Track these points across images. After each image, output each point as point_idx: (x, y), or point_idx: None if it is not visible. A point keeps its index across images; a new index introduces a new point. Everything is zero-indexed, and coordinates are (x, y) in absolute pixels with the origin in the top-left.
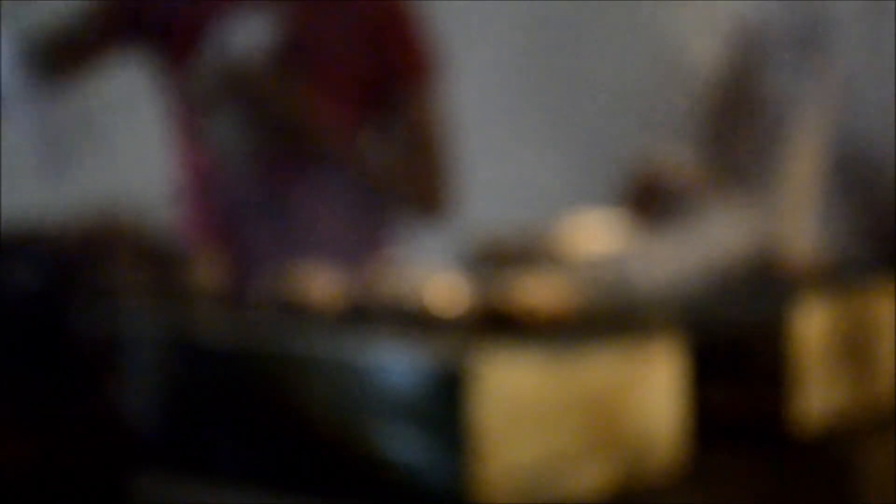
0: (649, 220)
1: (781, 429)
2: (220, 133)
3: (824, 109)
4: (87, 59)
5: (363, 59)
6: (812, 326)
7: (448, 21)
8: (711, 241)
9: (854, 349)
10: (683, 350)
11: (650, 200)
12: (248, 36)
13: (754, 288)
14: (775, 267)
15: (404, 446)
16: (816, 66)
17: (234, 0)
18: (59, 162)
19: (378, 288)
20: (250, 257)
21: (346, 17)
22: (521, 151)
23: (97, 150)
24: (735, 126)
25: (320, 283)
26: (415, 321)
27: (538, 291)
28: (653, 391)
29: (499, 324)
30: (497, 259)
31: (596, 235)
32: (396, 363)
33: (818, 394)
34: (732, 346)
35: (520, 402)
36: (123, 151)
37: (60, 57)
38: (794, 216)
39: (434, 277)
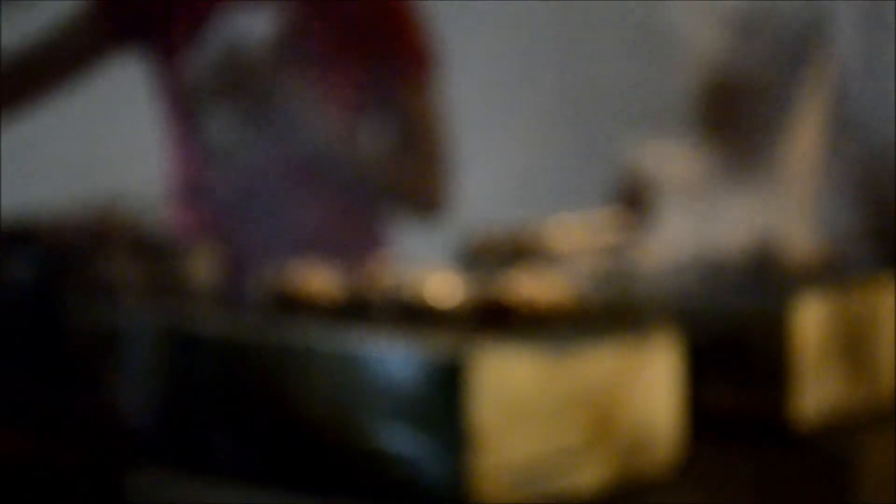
0: (645, 215)
1: (780, 424)
2: (216, 128)
3: (824, 102)
4: (78, 66)
5: (361, 54)
6: (812, 321)
7: (445, 18)
8: (710, 234)
9: (854, 345)
10: (681, 345)
11: (647, 196)
12: (245, 30)
13: (753, 282)
14: (775, 261)
15: (402, 441)
16: (816, 58)
17: None
18: None
19: (376, 283)
20: (247, 253)
21: (344, 12)
22: (517, 147)
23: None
24: (734, 119)
25: (318, 279)
26: (412, 316)
27: (535, 287)
28: (650, 386)
29: (496, 319)
30: (494, 255)
31: (593, 231)
32: (394, 358)
33: (817, 389)
34: (731, 340)
35: (517, 397)
36: (120, 148)
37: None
38: (795, 210)
39: (432, 273)
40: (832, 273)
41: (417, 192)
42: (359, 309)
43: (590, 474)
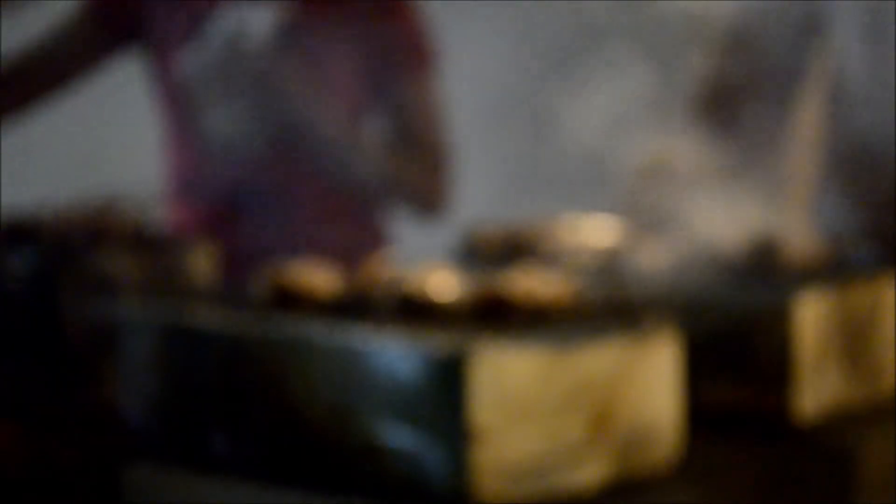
0: (649, 209)
1: (781, 420)
2: (215, 125)
3: (824, 94)
4: (76, 69)
5: (361, 51)
6: (812, 318)
7: (445, 16)
8: (711, 231)
9: (854, 341)
10: (682, 341)
11: (648, 194)
12: (244, 27)
13: (755, 279)
14: (776, 258)
15: (402, 437)
16: (816, 50)
17: None
18: None
19: (376, 280)
20: (246, 250)
21: (344, 9)
22: (517, 145)
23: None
24: (735, 118)
25: (317, 275)
26: (413, 313)
27: (535, 284)
28: (650, 382)
29: (496, 316)
30: (494, 252)
31: (594, 227)
32: (394, 355)
33: (818, 385)
34: (732, 337)
35: (517, 394)
36: (119, 146)
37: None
38: (795, 207)
39: (432, 270)
40: (833, 270)
41: (418, 189)
42: (359, 306)
43: (590, 470)
